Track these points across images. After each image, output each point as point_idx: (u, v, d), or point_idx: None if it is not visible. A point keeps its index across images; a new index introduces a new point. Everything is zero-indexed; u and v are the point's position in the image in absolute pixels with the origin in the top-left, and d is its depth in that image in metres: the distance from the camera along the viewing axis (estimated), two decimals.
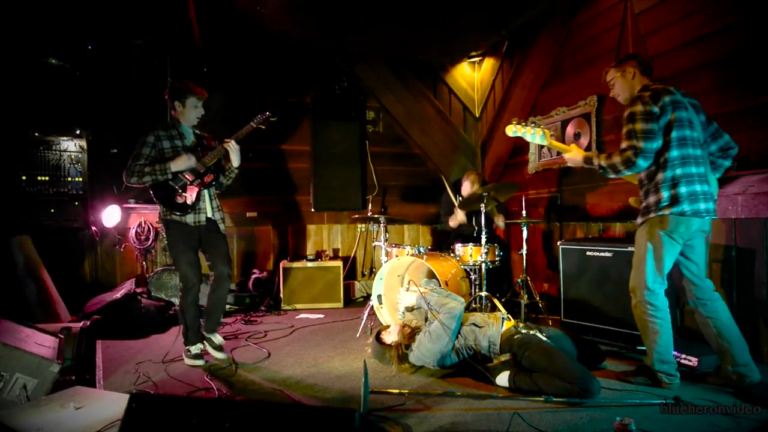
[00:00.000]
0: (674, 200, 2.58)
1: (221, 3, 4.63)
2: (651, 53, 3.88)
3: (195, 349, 3.29)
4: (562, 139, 4.90)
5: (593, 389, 2.47)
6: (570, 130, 4.80)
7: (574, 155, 2.87)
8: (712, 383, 2.71)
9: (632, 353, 3.34)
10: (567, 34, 4.82)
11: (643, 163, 2.58)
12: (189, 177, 3.26)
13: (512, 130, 2.94)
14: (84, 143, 4.43)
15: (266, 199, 5.82)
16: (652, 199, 2.66)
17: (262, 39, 5.48)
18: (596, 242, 3.84)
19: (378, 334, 3.39)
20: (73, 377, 2.77)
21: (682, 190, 2.58)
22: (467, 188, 4.99)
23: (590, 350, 3.10)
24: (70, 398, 2.19)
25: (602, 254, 3.69)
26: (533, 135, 2.90)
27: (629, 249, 3.49)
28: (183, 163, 3.21)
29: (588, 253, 3.80)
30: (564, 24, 4.86)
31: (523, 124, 2.93)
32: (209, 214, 3.36)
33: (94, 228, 4.70)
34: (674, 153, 2.59)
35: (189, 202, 3.23)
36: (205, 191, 3.35)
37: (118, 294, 4.29)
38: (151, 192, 3.24)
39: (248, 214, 5.73)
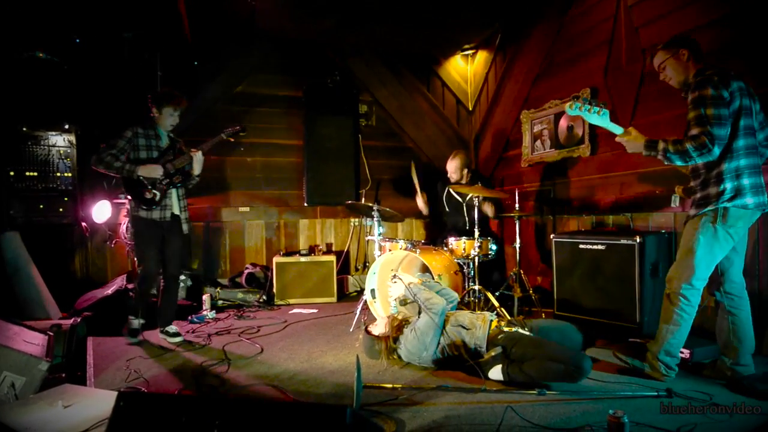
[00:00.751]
0: (738, 192, 2.48)
1: None
2: (644, 45, 3.87)
3: (136, 323, 3.65)
4: (555, 132, 4.89)
5: (585, 366, 2.49)
6: (563, 123, 4.79)
7: (633, 138, 2.64)
8: (707, 375, 2.72)
9: (622, 349, 3.35)
10: (560, 27, 4.80)
11: (718, 150, 2.42)
12: (161, 170, 3.54)
13: (573, 107, 2.62)
14: (73, 138, 4.38)
15: (258, 194, 5.78)
16: (712, 190, 2.53)
17: (253, 33, 5.42)
18: (589, 235, 3.84)
19: (367, 327, 3.41)
20: (63, 375, 2.74)
21: (745, 181, 2.48)
22: (453, 169, 4.82)
23: (569, 331, 3.11)
24: (59, 396, 2.16)
25: (595, 247, 3.69)
26: (593, 114, 2.62)
27: (622, 242, 3.49)
28: (150, 171, 3.50)
29: (581, 246, 3.80)
30: (557, 17, 4.83)
31: (585, 101, 2.61)
32: (175, 211, 3.68)
33: (84, 224, 4.66)
34: (741, 142, 2.49)
35: (158, 196, 3.52)
36: (174, 190, 3.66)
37: (110, 290, 4.26)
38: (123, 186, 3.59)
39: (240, 209, 5.69)
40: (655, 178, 3.83)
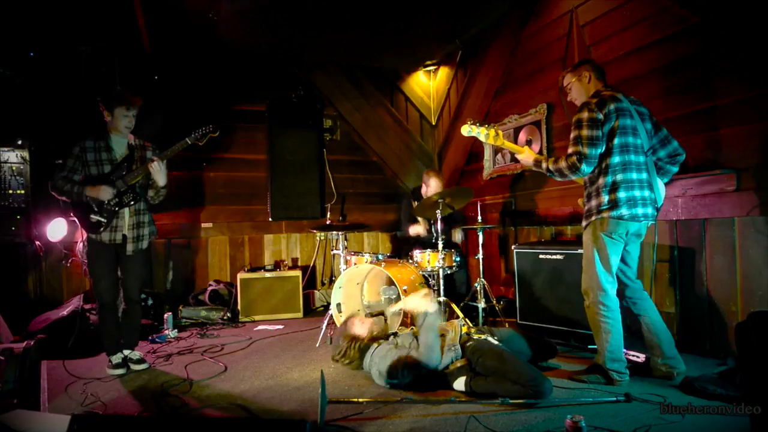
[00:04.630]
0: (613, 204, 2.69)
1: (171, 10, 4.54)
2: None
3: (116, 359, 3.36)
4: None
5: (545, 390, 2.53)
6: (522, 137, 4.93)
7: (525, 156, 2.96)
8: (655, 376, 2.85)
9: (584, 352, 3.45)
10: (517, 44, 4.97)
11: (587, 168, 2.68)
12: (111, 191, 3.24)
13: (467, 130, 3.02)
14: (26, 154, 4.24)
15: (222, 209, 5.71)
16: (594, 202, 2.78)
17: (214, 46, 5.39)
18: (549, 245, 3.95)
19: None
20: (15, 400, 2.63)
21: (621, 195, 2.70)
22: (433, 187, 4.87)
23: (543, 345, 3.20)
24: (11, 422, 2.08)
25: (554, 257, 3.80)
26: (486, 135, 2.98)
27: (579, 251, 3.59)
28: (99, 193, 3.21)
29: (541, 256, 3.91)
30: (514, 35, 5.00)
31: (477, 124, 3.01)
32: (127, 232, 3.34)
33: (38, 242, 4.49)
34: (615, 159, 2.71)
35: (103, 222, 3.24)
36: (125, 209, 3.33)
37: (65, 311, 4.10)
38: (71, 209, 3.33)
39: (203, 225, 5.60)
40: None
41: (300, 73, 5.98)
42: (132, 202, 3.32)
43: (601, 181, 2.74)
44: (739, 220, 3.08)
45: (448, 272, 4.24)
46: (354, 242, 6.26)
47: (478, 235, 4.45)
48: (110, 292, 3.34)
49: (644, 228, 2.84)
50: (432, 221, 4.80)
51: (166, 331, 4.34)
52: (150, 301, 4.82)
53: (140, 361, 3.44)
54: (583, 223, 2.87)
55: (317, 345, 3.95)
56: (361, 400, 2.63)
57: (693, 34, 3.31)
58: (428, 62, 6.40)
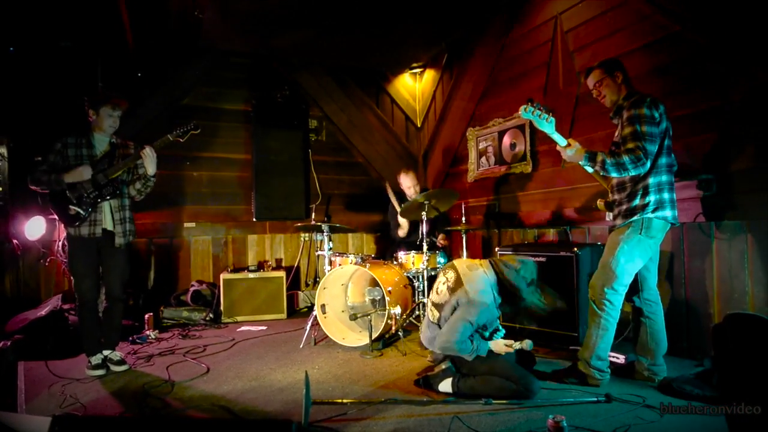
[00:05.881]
0: (660, 205, 2.69)
1: (155, 7, 4.49)
2: (578, 69, 4.10)
3: (95, 359, 3.32)
4: (499, 149, 5.08)
5: (535, 388, 2.57)
6: (506, 140, 4.98)
7: (574, 149, 2.75)
8: (637, 378, 2.89)
9: (565, 353, 3.49)
10: (502, 48, 5.02)
11: (648, 164, 2.64)
12: (87, 188, 3.22)
13: (526, 110, 2.73)
14: (4, 151, 4.16)
15: (205, 209, 5.65)
16: (638, 202, 2.72)
17: (199, 45, 5.35)
18: (531, 248, 3.99)
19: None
20: None
21: (666, 196, 2.71)
22: (410, 184, 5.01)
23: (524, 354, 3.17)
24: None
25: (537, 259, 3.84)
26: (543, 120, 2.73)
27: (561, 254, 3.66)
28: (77, 175, 3.19)
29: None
30: (499, 39, 5.05)
31: (537, 106, 2.72)
32: (108, 227, 3.31)
33: (15, 241, 4.40)
34: (664, 160, 2.72)
35: (82, 214, 3.21)
36: (106, 203, 3.31)
37: (43, 311, 4.03)
38: (49, 203, 3.28)
39: (186, 224, 5.54)
40: (591, 194, 4.04)
41: (285, 73, 5.96)
42: (109, 197, 3.28)
43: (648, 180, 2.70)
44: (716, 225, 3.16)
45: (433, 274, 4.25)
46: (338, 243, 6.25)
47: (462, 237, 4.48)
48: (92, 290, 3.31)
49: (667, 229, 2.82)
50: (416, 222, 4.84)
51: (147, 332, 4.28)
52: (131, 301, 4.76)
53: (121, 362, 3.39)
54: (619, 221, 2.81)
55: (301, 346, 3.94)
56: (345, 401, 2.63)
57: (673, 42, 3.39)
58: (414, 64, 6.43)
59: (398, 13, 4.79)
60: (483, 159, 5.36)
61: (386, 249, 5.49)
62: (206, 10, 4.56)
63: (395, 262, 4.33)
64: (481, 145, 5.36)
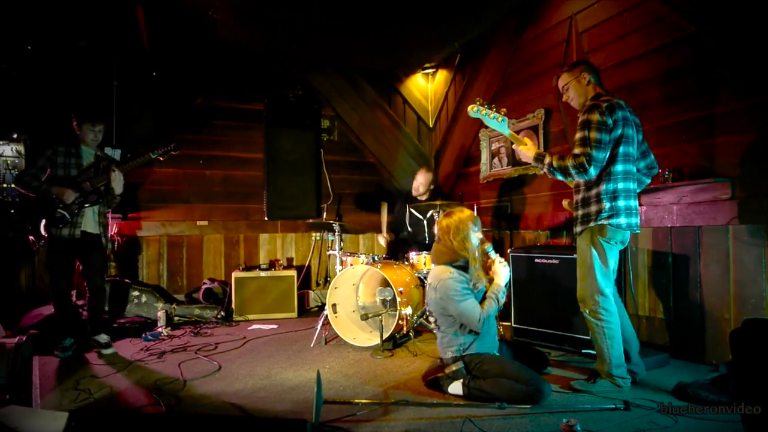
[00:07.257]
0: (614, 212, 2.69)
1: (171, 7, 4.52)
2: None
3: (67, 341, 3.69)
4: (511, 150, 5.03)
5: (545, 390, 2.55)
6: None
7: (526, 150, 2.85)
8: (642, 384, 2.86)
9: (578, 356, 3.46)
10: (515, 49, 4.99)
11: (593, 171, 2.64)
12: (74, 194, 3.59)
13: (474, 110, 2.84)
14: (22, 148, 4.23)
15: (217, 207, 5.69)
16: (593, 208, 2.75)
17: (213, 45, 5.39)
18: (544, 250, 3.96)
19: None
20: (7, 396, 2.60)
21: (621, 203, 2.70)
22: (422, 182, 5.05)
23: (535, 356, 3.15)
24: (5, 418, 2.05)
25: (550, 261, 3.82)
26: (493, 119, 2.82)
27: (574, 256, 3.62)
28: (62, 193, 3.55)
29: (536, 260, 3.92)
30: (512, 40, 5.02)
31: (486, 105, 2.83)
32: (87, 228, 3.70)
33: (31, 237, 4.46)
34: (619, 167, 2.70)
35: (68, 217, 3.58)
36: (89, 208, 3.71)
37: None
38: (37, 204, 3.59)
39: (198, 223, 5.58)
40: None
41: (298, 73, 5.98)
42: (88, 205, 3.68)
43: (602, 187, 2.71)
44: (733, 228, 3.11)
45: None
46: (349, 243, 6.26)
47: None
48: (65, 282, 3.73)
49: (628, 237, 2.86)
50: (426, 224, 4.84)
51: (160, 329, 4.32)
52: (143, 299, 4.81)
53: (107, 345, 3.71)
54: (578, 228, 2.85)
55: (312, 345, 3.95)
56: (356, 401, 2.63)
57: (689, 43, 3.34)
58: (427, 65, 6.41)
59: (411, 14, 4.78)
60: (495, 160, 5.33)
61: (398, 249, 5.49)
62: (220, 10, 4.59)
63: (406, 263, 4.32)
64: (494, 146, 5.34)
